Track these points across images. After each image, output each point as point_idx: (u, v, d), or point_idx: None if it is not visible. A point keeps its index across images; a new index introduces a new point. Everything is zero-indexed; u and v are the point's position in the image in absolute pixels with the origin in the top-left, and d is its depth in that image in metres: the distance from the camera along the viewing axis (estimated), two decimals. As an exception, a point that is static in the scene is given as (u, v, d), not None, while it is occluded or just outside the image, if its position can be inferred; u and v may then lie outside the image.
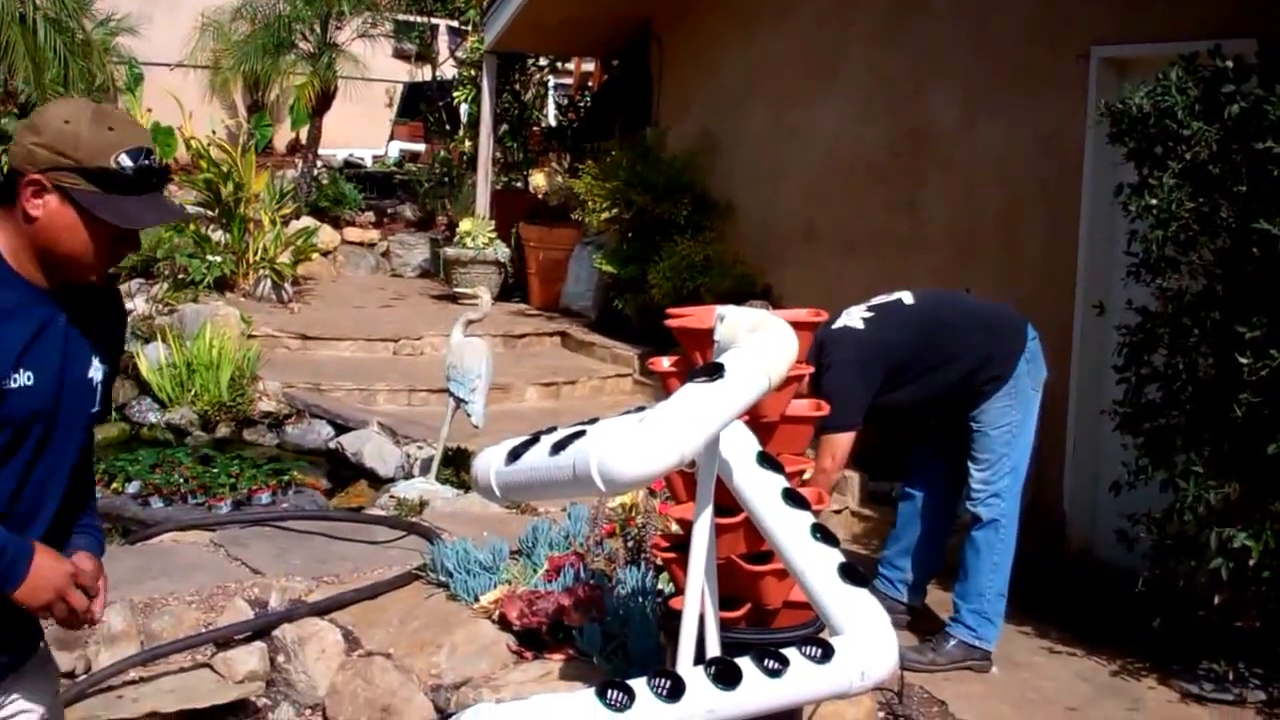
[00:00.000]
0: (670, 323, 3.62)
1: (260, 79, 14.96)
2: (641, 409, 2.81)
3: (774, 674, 2.40)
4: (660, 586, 4.86)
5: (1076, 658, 5.46)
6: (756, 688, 2.37)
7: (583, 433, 2.43)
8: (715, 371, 2.46)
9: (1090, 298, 6.82)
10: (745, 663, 2.40)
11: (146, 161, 2.37)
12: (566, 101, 14.58)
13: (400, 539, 5.81)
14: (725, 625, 3.60)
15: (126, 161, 2.34)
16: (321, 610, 5.00)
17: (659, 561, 5.00)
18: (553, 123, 14.85)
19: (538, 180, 11.99)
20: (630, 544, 5.15)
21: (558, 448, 2.44)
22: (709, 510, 2.64)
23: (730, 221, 9.85)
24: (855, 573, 2.65)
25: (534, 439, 2.56)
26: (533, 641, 4.68)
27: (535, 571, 5.12)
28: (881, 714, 4.64)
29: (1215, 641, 5.11)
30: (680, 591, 3.80)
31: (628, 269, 10.12)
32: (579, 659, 4.52)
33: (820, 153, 8.96)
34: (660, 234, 9.84)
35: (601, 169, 10.30)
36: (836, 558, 2.65)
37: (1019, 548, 6.53)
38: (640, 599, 4.69)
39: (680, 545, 3.83)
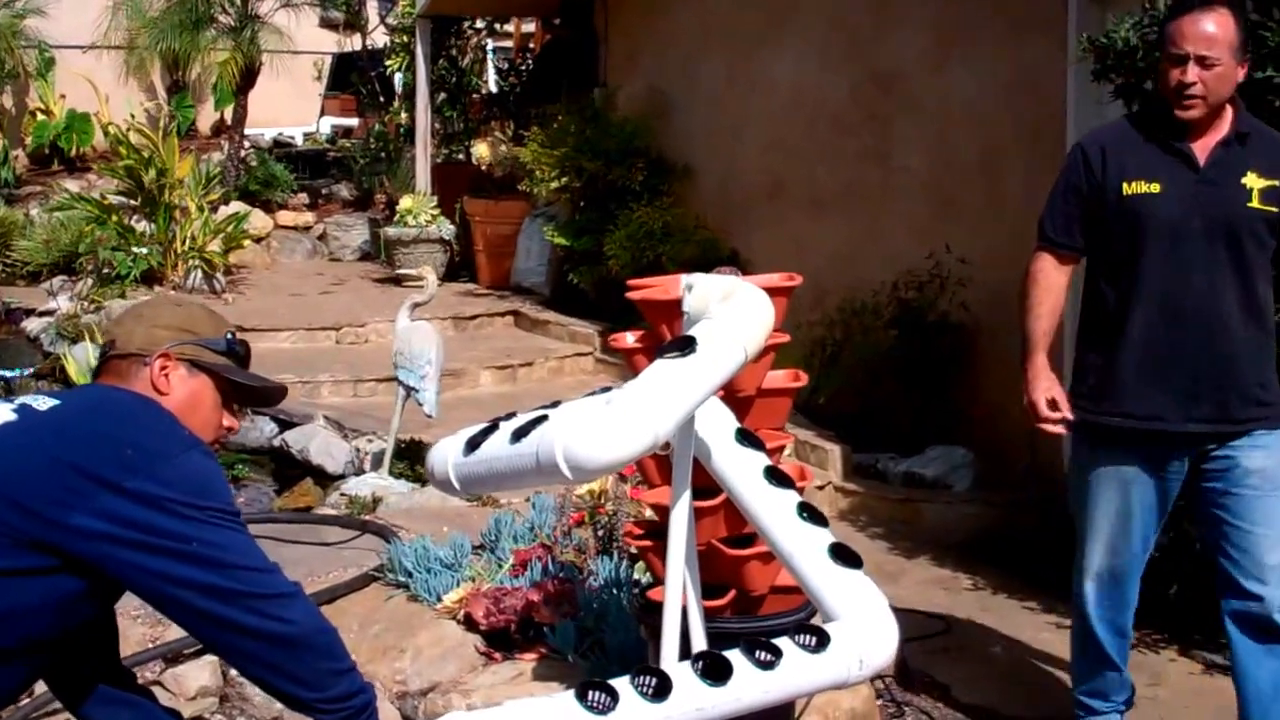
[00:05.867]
0: (633, 295, 3.56)
1: (179, 58, 14.74)
2: (607, 389, 2.76)
3: (766, 666, 2.35)
4: (636, 576, 4.82)
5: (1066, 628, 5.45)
6: (748, 682, 2.32)
7: (545, 418, 2.38)
8: (687, 345, 2.41)
9: (1076, 246, 6.83)
10: (735, 656, 2.36)
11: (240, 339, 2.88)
12: (507, 66, 14.46)
13: (354, 539, 5.76)
14: (710, 615, 3.56)
15: (232, 338, 2.86)
16: (276, 619, 4.91)
17: (633, 550, 4.97)
18: (493, 89, 14.73)
19: (481, 151, 11.91)
20: (601, 533, 5.10)
21: (519, 435, 2.38)
22: (687, 494, 2.59)
23: (689, 184, 9.80)
24: (847, 553, 2.60)
25: (492, 426, 2.50)
26: (502, 641, 4.63)
27: (500, 567, 5.07)
28: (880, 701, 4.61)
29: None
30: (659, 582, 3.76)
31: (582, 240, 10.05)
32: (552, 658, 4.48)
33: (781, 105, 8.90)
34: (615, 202, 9.78)
35: (548, 135, 10.22)
36: (826, 538, 2.60)
37: (1019, 519, 6.54)
38: (615, 591, 4.65)
39: (656, 532, 3.79)
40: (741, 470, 2.68)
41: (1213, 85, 3.78)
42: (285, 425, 8.26)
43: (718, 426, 2.80)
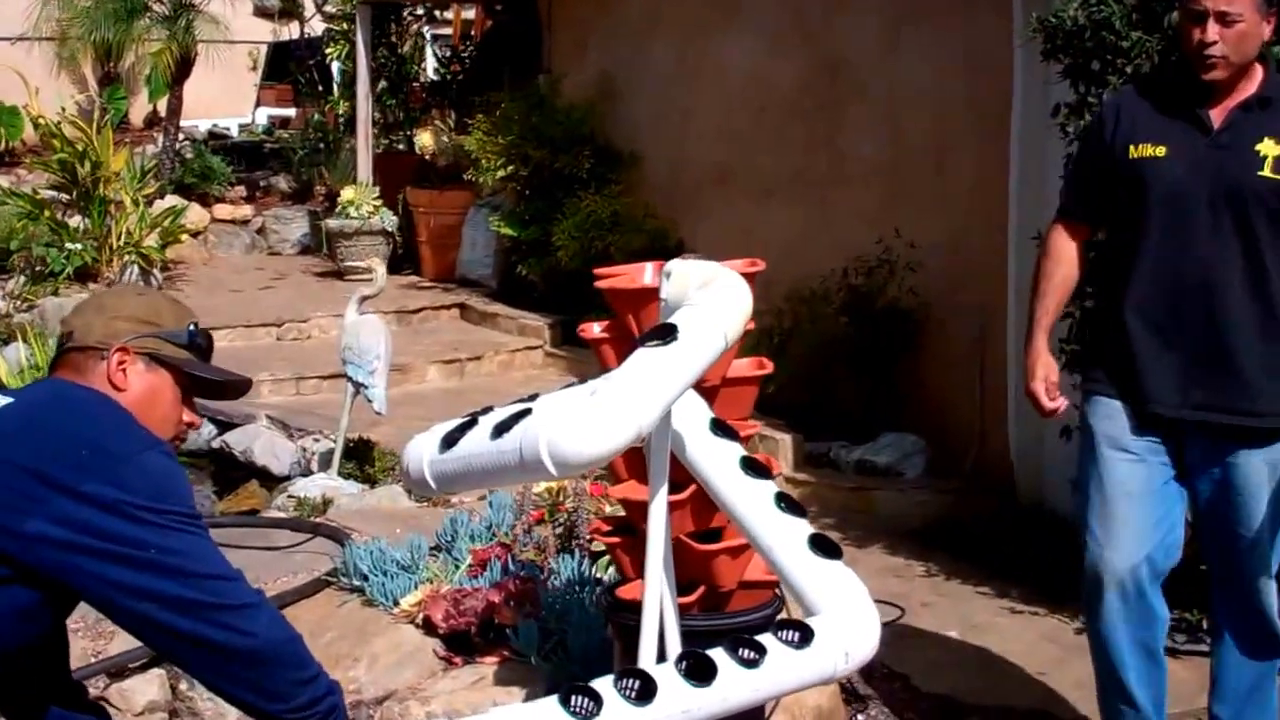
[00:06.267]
0: (600, 284, 3.52)
1: (112, 48, 14.51)
2: (573, 384, 2.70)
3: (751, 665, 2.31)
4: (599, 574, 4.77)
5: (1040, 617, 5.44)
6: (733, 681, 2.28)
7: (527, 411, 2.32)
8: (668, 334, 2.35)
9: (1024, 229, 6.80)
10: (719, 655, 2.31)
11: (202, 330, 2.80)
12: (449, 53, 14.34)
13: (305, 542, 5.66)
14: (680, 611, 3.51)
15: (194, 330, 2.77)
16: (225, 627, 4.82)
17: (595, 547, 4.91)
18: (433, 76, 14.61)
19: (424, 140, 11.79)
20: (561, 530, 5.04)
21: (500, 430, 2.32)
22: (664, 490, 2.54)
23: (637, 172, 9.73)
24: (827, 544, 2.56)
25: (471, 421, 2.44)
26: (462, 645, 4.55)
27: (458, 567, 5.00)
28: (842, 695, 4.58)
29: (1184, 590, 5.08)
30: (627, 580, 3.71)
31: (529, 231, 9.96)
32: (515, 660, 4.40)
33: (729, 92, 8.85)
34: (562, 190, 9.69)
35: (494, 123, 10.13)
36: (806, 529, 2.56)
37: (971, 505, 6.54)
38: (577, 590, 4.58)
39: (624, 528, 3.73)
40: (717, 461, 2.63)
41: (1235, 43, 3.52)
42: (225, 426, 8.12)
43: (691, 417, 2.75)
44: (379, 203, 11.52)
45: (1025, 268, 6.70)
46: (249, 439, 7.81)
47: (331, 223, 11.60)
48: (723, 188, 8.92)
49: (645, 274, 3.67)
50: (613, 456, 2.29)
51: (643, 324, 3.50)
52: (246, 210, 13.98)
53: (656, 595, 2.53)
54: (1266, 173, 3.57)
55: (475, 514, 5.38)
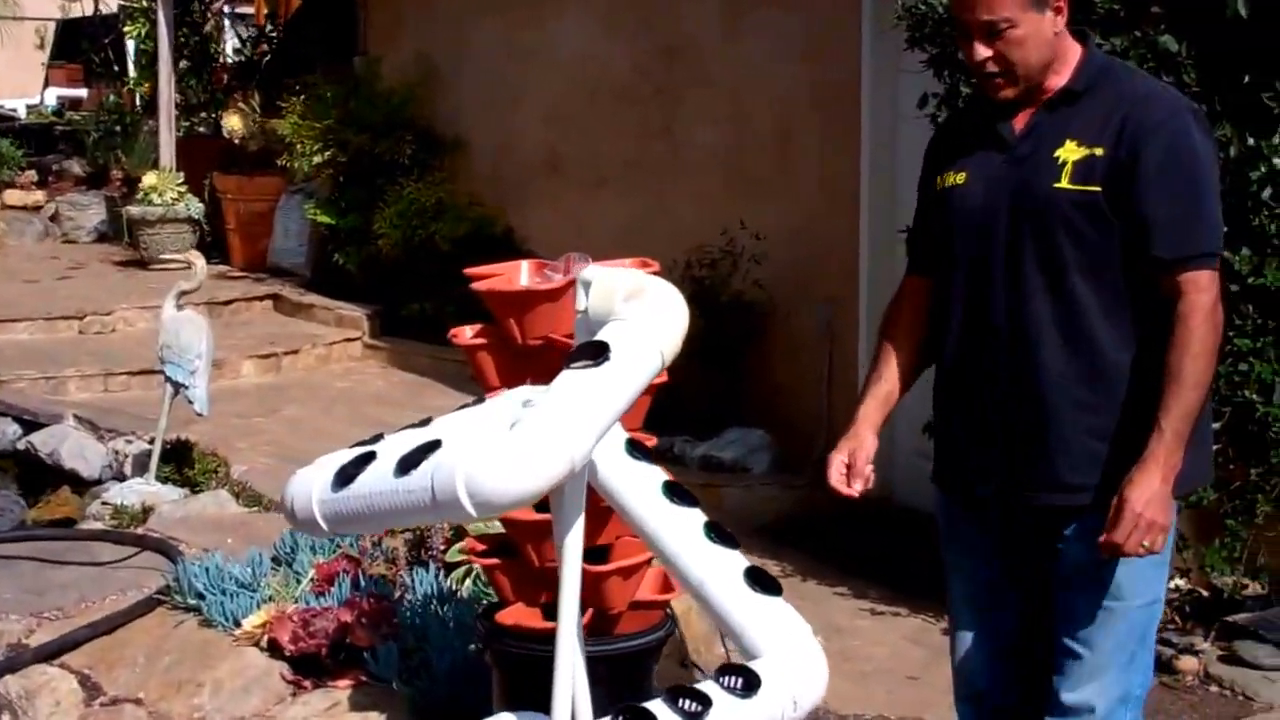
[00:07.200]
0: (477, 285, 3.28)
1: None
2: (469, 405, 2.45)
3: (695, 718, 2.09)
4: (455, 587, 4.52)
5: (902, 617, 5.37)
6: (678, 738, 2.06)
7: (436, 444, 2.05)
8: (600, 353, 2.11)
9: (875, 220, 6.73)
10: (658, 707, 2.09)
11: None
12: (255, 32, 13.84)
13: (131, 557, 5.30)
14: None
15: None
16: (49, 654, 4.52)
17: (450, 558, 4.67)
18: (232, 56, 14.11)
19: (234, 123, 11.34)
20: (412, 540, 4.78)
21: (406, 466, 2.05)
22: (580, 522, 2.30)
23: (462, 159, 9.47)
24: (764, 578, 2.35)
25: (368, 455, 2.16)
26: (311, 668, 4.29)
27: (299, 583, 4.70)
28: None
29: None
30: (506, 603, 3.48)
31: (347, 219, 9.66)
32: (372, 684, 4.15)
33: (561, 76, 8.63)
34: (383, 177, 9.44)
35: (309, 107, 9.76)
36: (740, 562, 2.35)
37: (819, 502, 6.43)
38: (437, 606, 4.33)
39: (503, 549, 3.50)
40: (637, 487, 2.40)
41: (1015, 53, 2.87)
42: (31, 426, 7.64)
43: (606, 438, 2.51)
44: (184, 189, 11.05)
45: (877, 259, 6.67)
46: (56, 440, 7.34)
47: (133, 210, 11.08)
48: (554, 175, 8.71)
49: (521, 274, 3.45)
50: (541, 495, 2.04)
51: (526, 330, 3.28)
52: (39, 196, 13.41)
53: (572, 640, 2.29)
54: (1064, 183, 2.88)
55: (316, 525, 5.08)
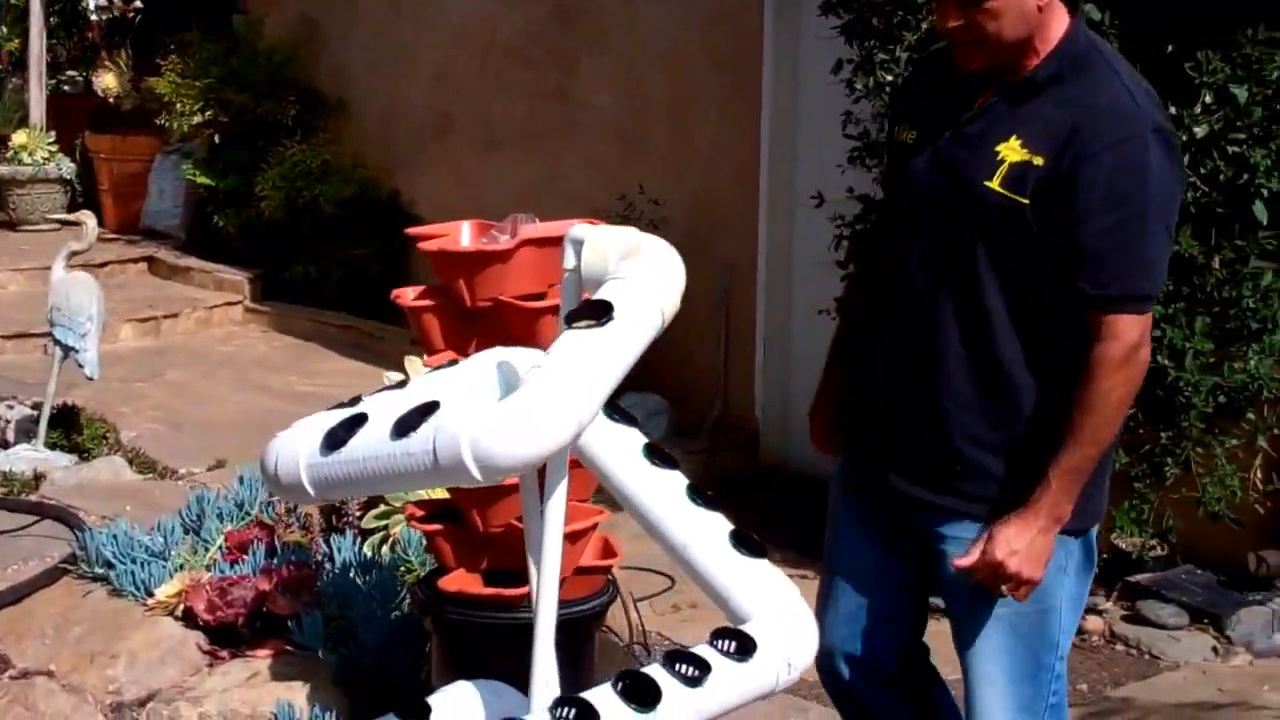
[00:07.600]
0: (425, 245, 3.22)
1: None
2: (454, 362, 2.40)
3: (693, 682, 2.08)
4: (370, 553, 4.46)
5: (810, 580, 5.30)
6: (678, 704, 2.04)
7: (435, 405, 2.00)
8: (604, 312, 2.07)
9: (776, 187, 6.74)
10: (657, 673, 2.07)
11: None
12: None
13: (31, 525, 5.14)
14: (510, 604, 3.27)
15: None
16: (-48, 627, 4.34)
17: (367, 525, 4.60)
18: (94, 14, 13.66)
19: (108, 82, 10.97)
20: (325, 509, 4.70)
21: (404, 428, 1.99)
22: (564, 485, 2.26)
23: (346, 120, 9.28)
24: (750, 541, 2.34)
25: (359, 418, 2.09)
26: (228, 638, 4.20)
27: (207, 551, 4.60)
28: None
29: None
30: (447, 569, 3.44)
31: (228, 180, 9.43)
32: (294, 653, 4.08)
33: (451, 37, 8.48)
34: (265, 138, 9.22)
35: (188, 66, 9.51)
36: (725, 524, 2.33)
37: (719, 467, 6.43)
38: (357, 573, 4.26)
39: (445, 513, 3.45)
40: (617, 450, 2.37)
41: (990, 27, 2.63)
42: (-97, 393, 7.39)
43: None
44: (54, 148, 10.70)
45: (777, 225, 6.68)
46: (-68, 408, 7.11)
47: (2, 169, 10.71)
48: (444, 137, 8.57)
49: (463, 234, 3.39)
50: (547, 458, 1.99)
51: (476, 292, 3.22)
52: (-103, 156, 12.83)
53: (551, 611, 2.25)
54: (994, 184, 2.66)
55: (223, 488, 4.97)
